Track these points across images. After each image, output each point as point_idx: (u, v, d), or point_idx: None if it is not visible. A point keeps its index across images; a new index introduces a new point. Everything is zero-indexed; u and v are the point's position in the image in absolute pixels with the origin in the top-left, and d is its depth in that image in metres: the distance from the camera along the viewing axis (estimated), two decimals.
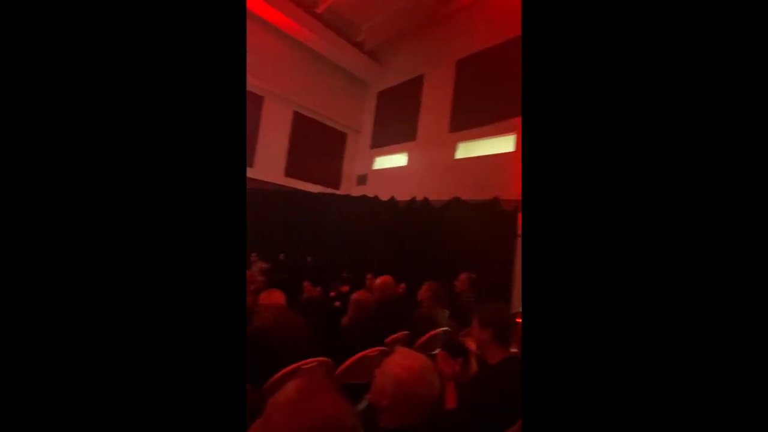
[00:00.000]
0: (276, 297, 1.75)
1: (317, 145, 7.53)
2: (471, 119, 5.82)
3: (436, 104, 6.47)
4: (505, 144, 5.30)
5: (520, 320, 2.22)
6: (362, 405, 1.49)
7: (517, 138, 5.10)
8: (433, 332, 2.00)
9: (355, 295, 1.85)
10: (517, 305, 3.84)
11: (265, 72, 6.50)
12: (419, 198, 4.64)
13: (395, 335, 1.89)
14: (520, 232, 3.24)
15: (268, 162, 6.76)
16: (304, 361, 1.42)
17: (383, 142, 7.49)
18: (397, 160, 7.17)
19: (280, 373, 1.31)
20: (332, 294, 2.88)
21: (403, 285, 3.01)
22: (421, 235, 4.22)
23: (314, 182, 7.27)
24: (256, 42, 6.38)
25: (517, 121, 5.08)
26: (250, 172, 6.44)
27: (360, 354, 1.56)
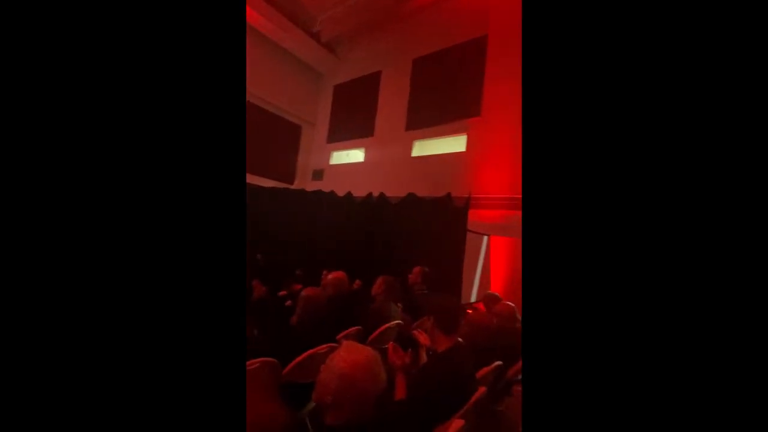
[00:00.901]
0: (257, 291, 1.62)
1: (270, 138, 7.18)
2: (426, 118, 5.96)
3: (393, 101, 6.52)
4: (457, 144, 5.52)
5: (471, 311, 2.33)
6: (312, 405, 1.45)
7: (468, 138, 5.33)
8: (385, 326, 2.01)
9: (304, 292, 1.79)
10: (466, 297, 4.04)
11: None
12: (376, 194, 4.65)
13: (347, 331, 1.86)
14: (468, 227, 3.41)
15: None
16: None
17: (340, 137, 7.37)
18: (355, 155, 7.11)
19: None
20: (284, 293, 2.76)
21: (358, 281, 2.99)
22: (378, 231, 4.23)
23: (267, 176, 6.93)
24: None
25: (471, 121, 5.31)
26: None
27: (308, 352, 1.51)
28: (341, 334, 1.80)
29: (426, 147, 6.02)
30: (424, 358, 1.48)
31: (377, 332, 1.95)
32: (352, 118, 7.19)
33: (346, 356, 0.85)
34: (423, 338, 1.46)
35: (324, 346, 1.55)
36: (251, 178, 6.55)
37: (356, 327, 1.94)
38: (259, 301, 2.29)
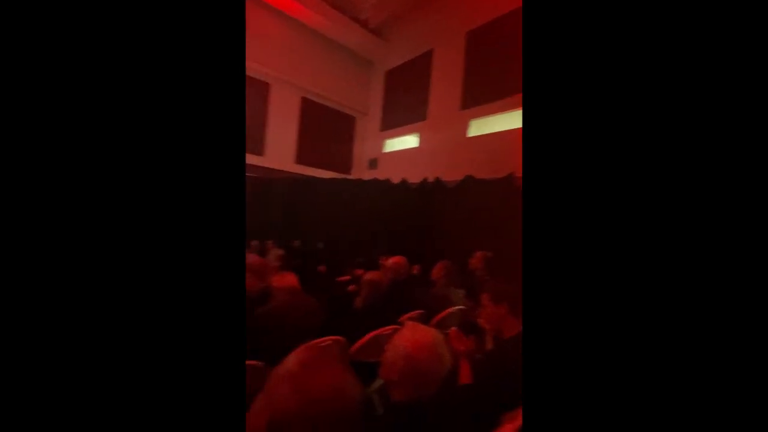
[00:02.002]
0: (289, 279, 1.76)
1: (326, 131, 7.47)
2: (483, 95, 5.59)
3: (446, 81, 6.24)
4: (518, 119, 5.08)
5: None
6: (379, 383, 1.50)
7: None
8: (447, 311, 1.98)
9: (366, 276, 1.84)
10: None
11: (269, 58, 6.42)
12: (431, 179, 4.56)
13: (409, 314, 1.88)
14: None
15: (278, 150, 6.78)
16: (319, 340, 1.44)
17: (393, 124, 7.34)
18: (408, 141, 7.04)
19: (292, 353, 1.33)
20: (347, 278, 2.90)
21: (417, 266, 2.99)
22: (435, 216, 4.17)
23: (325, 168, 7.26)
24: (259, 27, 6.27)
25: None
26: (261, 161, 6.48)
27: (373, 332, 1.57)
28: (404, 317, 1.83)
29: (483, 126, 5.67)
30: (489, 343, 1.42)
31: (440, 316, 1.94)
32: (405, 103, 7.09)
33: (411, 336, 0.86)
34: (487, 323, 1.40)
35: (388, 327, 1.59)
36: (310, 171, 6.94)
37: (418, 311, 1.94)
38: (323, 284, 2.44)
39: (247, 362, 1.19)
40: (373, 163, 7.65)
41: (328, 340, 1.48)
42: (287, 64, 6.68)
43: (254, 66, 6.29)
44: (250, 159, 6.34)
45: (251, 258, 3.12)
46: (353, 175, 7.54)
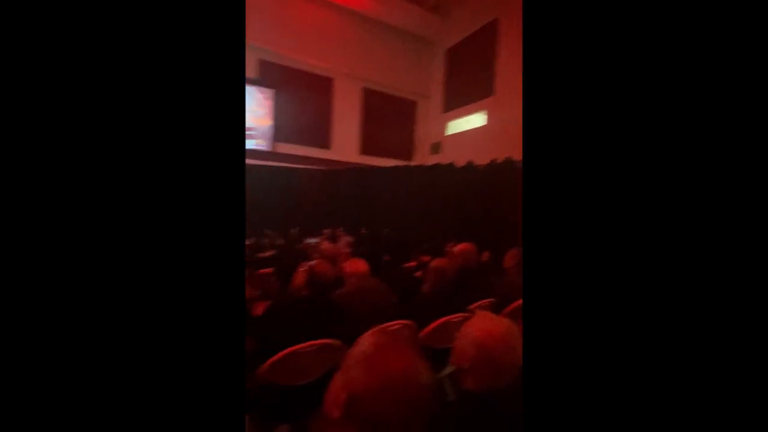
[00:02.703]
0: (359, 265, 1.85)
1: (388, 119, 7.50)
2: None
3: (514, 50, 5.66)
4: None
5: None
6: (450, 369, 1.50)
7: None
8: (521, 301, 1.86)
9: (433, 263, 1.83)
10: None
11: (331, 53, 6.65)
12: (500, 159, 4.25)
13: (479, 303, 1.82)
14: None
15: (343, 143, 7.06)
16: (389, 323, 1.49)
17: (457, 104, 7.01)
18: (474, 120, 6.65)
19: (365, 334, 1.41)
20: (413, 264, 2.93)
21: (487, 253, 2.86)
22: (505, 199, 3.90)
23: (388, 156, 7.34)
24: (318, 23, 6.52)
25: None
26: (327, 154, 6.85)
27: (443, 319, 1.56)
28: (474, 305, 1.78)
29: None
30: None
31: (513, 306, 1.83)
32: (469, 80, 6.69)
33: (483, 326, 0.83)
34: None
35: (458, 314, 1.57)
36: (374, 161, 7.09)
37: (489, 299, 1.87)
38: (391, 270, 2.51)
39: (325, 340, 1.30)
40: (435, 148, 7.46)
41: (398, 323, 1.52)
42: (348, 56, 6.84)
43: (317, 63, 6.59)
44: (318, 153, 6.75)
45: (324, 245, 3.37)
46: (416, 162, 7.47)
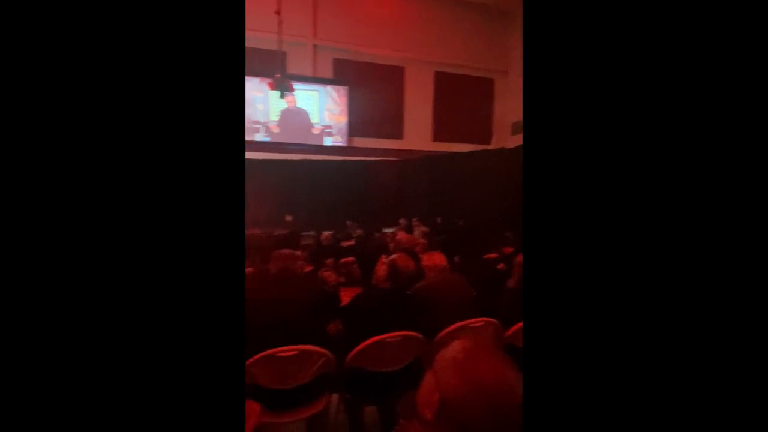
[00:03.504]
0: (438, 258, 1.84)
1: (462, 101, 7.14)
2: None
3: None
4: None
5: None
6: None
7: None
8: None
9: (521, 257, 1.70)
10: None
11: (401, 41, 6.57)
12: None
13: None
14: None
15: (416, 131, 7.00)
16: (471, 320, 1.46)
17: None
18: None
19: (447, 330, 1.40)
20: (494, 256, 2.78)
21: None
22: None
23: (463, 141, 7.01)
24: (388, 12, 6.49)
25: None
26: (400, 144, 6.87)
27: None
28: None
29: None
30: None
31: None
32: None
33: None
34: None
35: None
36: (449, 147, 6.85)
37: None
38: (471, 263, 2.42)
39: (406, 332, 1.34)
40: (517, 127, 6.83)
41: (481, 321, 1.47)
42: (418, 42, 6.68)
43: (388, 54, 6.60)
44: (391, 144, 6.83)
45: (400, 235, 3.44)
46: (495, 145, 6.98)
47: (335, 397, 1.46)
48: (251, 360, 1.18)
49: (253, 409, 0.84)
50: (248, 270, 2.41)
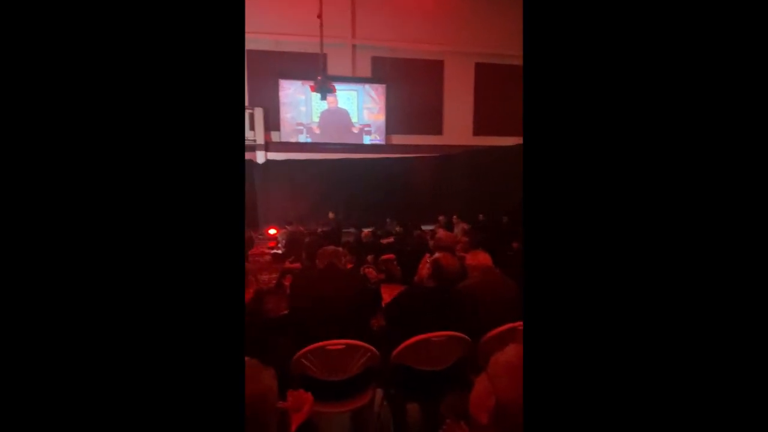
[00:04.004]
0: (482, 258, 1.78)
1: (505, 93, 6.80)
2: None
3: None
4: None
5: None
6: None
7: None
8: None
9: None
10: None
11: (440, 33, 6.43)
12: None
13: None
14: None
15: (455, 125, 6.83)
16: (520, 323, 1.39)
17: None
18: None
19: (495, 331, 1.36)
20: None
21: None
22: None
23: (505, 134, 6.70)
24: (426, 5, 6.38)
25: None
26: (440, 140, 6.75)
27: None
28: None
29: None
30: None
31: None
32: None
33: None
34: None
35: None
36: (490, 141, 6.58)
37: None
38: (514, 262, 2.31)
39: (451, 333, 1.32)
40: None
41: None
42: (458, 33, 6.49)
43: (426, 48, 6.50)
44: (430, 140, 6.74)
45: (441, 233, 3.39)
46: None
47: (379, 392, 1.49)
48: (302, 351, 1.24)
49: (306, 398, 0.88)
50: (296, 265, 2.53)
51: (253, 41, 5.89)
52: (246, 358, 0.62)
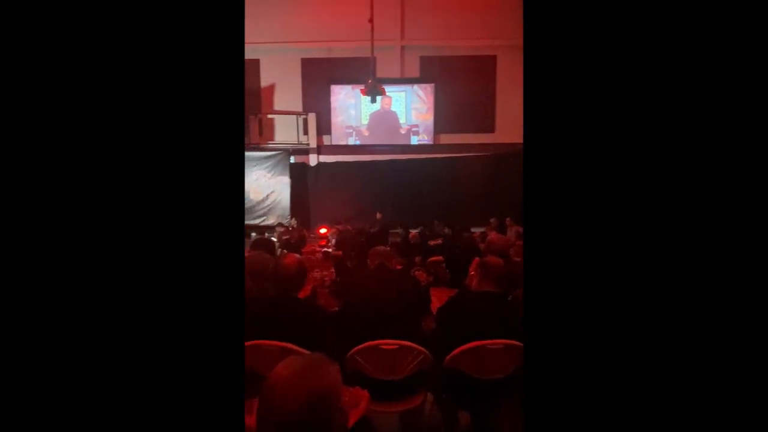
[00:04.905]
0: None
1: None
2: None
3: None
4: None
5: None
6: None
7: None
8: None
9: None
10: None
11: (492, 27, 6.16)
12: None
13: None
14: None
15: (509, 123, 6.47)
16: None
17: None
18: None
19: None
20: None
21: None
22: None
23: None
24: (474, 1, 6.15)
25: None
26: (492, 138, 6.45)
27: None
28: None
29: None
30: None
31: None
32: None
33: None
34: None
35: None
36: None
37: None
38: None
39: (508, 341, 1.24)
40: None
41: None
42: (511, 26, 6.14)
43: (477, 44, 6.27)
44: (481, 138, 6.48)
45: (492, 235, 3.23)
46: None
47: (430, 396, 1.46)
48: (356, 349, 1.26)
49: (363, 395, 0.89)
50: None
51: (306, 50, 6.22)
52: (312, 353, 0.65)
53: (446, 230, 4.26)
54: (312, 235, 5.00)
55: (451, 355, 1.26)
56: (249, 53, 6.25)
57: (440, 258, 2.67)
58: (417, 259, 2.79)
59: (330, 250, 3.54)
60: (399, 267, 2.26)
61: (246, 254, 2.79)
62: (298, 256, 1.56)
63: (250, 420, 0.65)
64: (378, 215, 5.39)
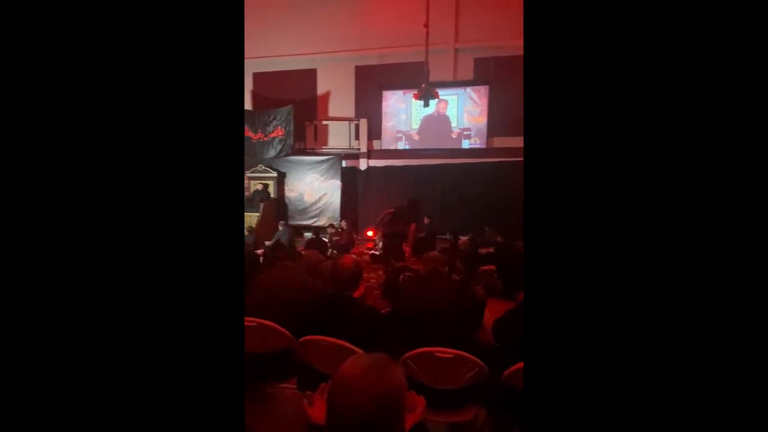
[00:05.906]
0: None
1: None
2: None
3: None
4: None
5: None
6: None
7: None
8: None
9: None
10: None
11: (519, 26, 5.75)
12: None
13: None
14: None
15: None
16: None
17: None
18: None
19: None
20: None
21: None
22: None
23: None
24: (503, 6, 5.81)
25: None
26: (516, 142, 6.01)
27: None
28: None
29: None
30: None
31: None
32: None
33: None
34: None
35: None
36: None
37: None
38: None
39: None
40: None
41: None
42: None
43: (509, 44, 5.86)
44: (513, 142, 6.06)
45: None
46: None
47: (483, 411, 1.40)
48: (409, 354, 1.26)
49: (419, 401, 0.89)
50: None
51: (360, 58, 6.43)
52: (375, 354, 0.66)
53: (498, 238, 4.07)
54: (359, 237, 5.12)
55: (509, 370, 1.20)
56: (307, 63, 6.66)
57: (492, 267, 2.55)
58: (479, 269, 2.67)
59: (377, 252, 3.59)
60: (456, 278, 2.20)
61: (302, 251, 2.96)
62: (354, 256, 1.61)
63: (312, 412, 0.68)
64: (426, 220, 5.34)
